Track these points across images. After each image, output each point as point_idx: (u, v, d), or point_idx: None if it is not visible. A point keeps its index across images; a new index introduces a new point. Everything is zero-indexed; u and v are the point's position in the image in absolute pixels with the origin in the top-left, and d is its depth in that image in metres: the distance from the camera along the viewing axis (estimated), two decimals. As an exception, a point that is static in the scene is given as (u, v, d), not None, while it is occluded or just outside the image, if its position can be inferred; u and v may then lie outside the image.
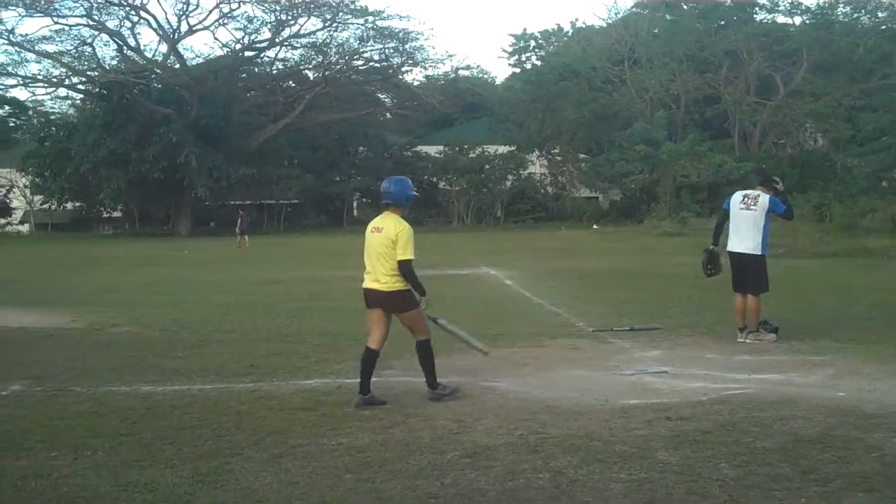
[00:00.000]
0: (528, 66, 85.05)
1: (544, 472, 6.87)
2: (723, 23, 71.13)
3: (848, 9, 69.24)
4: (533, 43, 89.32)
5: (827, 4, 68.80)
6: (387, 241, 9.39)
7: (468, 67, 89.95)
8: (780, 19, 72.28)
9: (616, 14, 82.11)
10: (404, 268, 9.38)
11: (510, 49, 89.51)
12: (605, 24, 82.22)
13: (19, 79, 69.89)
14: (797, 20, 71.07)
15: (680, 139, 65.21)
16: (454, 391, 9.68)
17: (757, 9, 72.43)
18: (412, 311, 9.61)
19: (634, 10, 78.31)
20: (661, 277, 23.63)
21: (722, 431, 7.90)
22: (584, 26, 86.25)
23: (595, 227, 57.75)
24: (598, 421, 8.33)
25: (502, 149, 69.57)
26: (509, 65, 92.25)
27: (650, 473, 6.77)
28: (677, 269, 26.04)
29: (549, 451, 7.39)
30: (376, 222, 9.69)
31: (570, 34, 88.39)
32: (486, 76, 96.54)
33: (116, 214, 75.41)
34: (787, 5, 70.40)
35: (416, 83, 76.44)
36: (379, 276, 9.47)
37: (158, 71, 67.95)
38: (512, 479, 6.74)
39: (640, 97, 70.40)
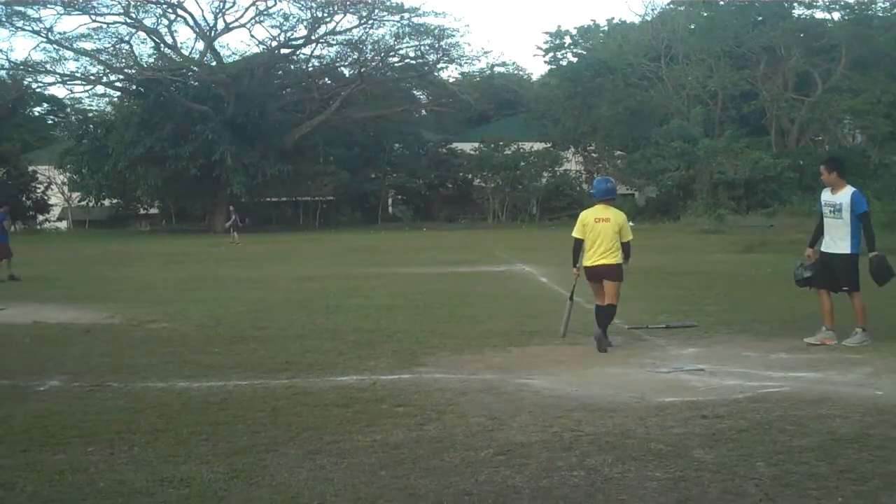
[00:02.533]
0: (564, 62, 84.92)
1: (579, 469, 6.85)
2: (760, 18, 70.67)
3: (887, 3, 68.70)
4: (568, 40, 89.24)
5: (866, 0, 68.26)
6: (616, 227, 12.49)
7: (504, 64, 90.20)
8: (819, 15, 71.93)
9: (652, 10, 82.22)
10: (629, 246, 12.57)
11: (546, 46, 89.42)
12: (641, 20, 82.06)
13: (57, 76, 70.45)
14: (836, 16, 70.67)
15: (717, 136, 64.94)
16: (602, 347, 12.02)
17: (795, 4, 71.98)
18: (621, 281, 12.47)
19: (670, 5, 78.09)
20: (698, 275, 23.49)
21: (758, 430, 7.83)
22: (619, 22, 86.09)
23: (631, 224, 57.10)
24: (633, 419, 8.29)
25: (538, 146, 69.47)
26: (545, 62, 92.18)
27: (686, 472, 6.72)
28: (714, 267, 25.96)
29: (584, 448, 7.36)
30: (598, 213, 12.70)
31: (605, 30, 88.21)
32: (521, 73, 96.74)
33: (153, 211, 76.02)
34: (826, 1, 69.90)
35: (451, 80, 76.44)
36: (609, 253, 12.37)
37: (195, 68, 68.31)
38: (546, 476, 6.71)
39: (677, 93, 70.15)
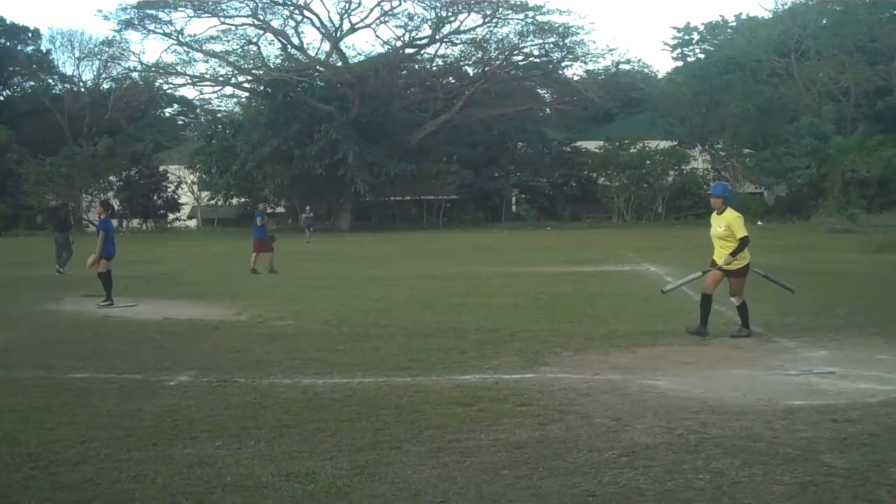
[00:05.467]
0: (692, 59, 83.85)
1: (704, 472, 6.73)
2: (895, 13, 68.85)
3: None
4: (696, 35, 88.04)
5: None
6: None
7: (629, 61, 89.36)
8: (958, 7, 69.72)
9: (782, 5, 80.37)
10: None
11: (673, 42, 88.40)
12: (770, 15, 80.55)
13: (188, 78, 72.38)
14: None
15: (849, 133, 63.46)
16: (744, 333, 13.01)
17: (933, -3, 70.00)
18: None
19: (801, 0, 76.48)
20: (829, 275, 22.96)
21: (891, 435, 7.61)
22: (748, 17, 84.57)
23: (760, 223, 56.43)
24: (760, 422, 8.12)
25: (664, 144, 68.78)
26: (672, 58, 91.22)
27: (815, 477, 6.56)
28: (846, 267, 25.35)
29: (710, 451, 7.24)
30: None
31: (734, 26, 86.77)
32: (647, 70, 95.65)
33: (280, 210, 77.19)
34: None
35: (575, 78, 76.14)
36: None
37: (321, 69, 69.28)
38: (671, 479, 6.62)
39: (808, 90, 68.70)
